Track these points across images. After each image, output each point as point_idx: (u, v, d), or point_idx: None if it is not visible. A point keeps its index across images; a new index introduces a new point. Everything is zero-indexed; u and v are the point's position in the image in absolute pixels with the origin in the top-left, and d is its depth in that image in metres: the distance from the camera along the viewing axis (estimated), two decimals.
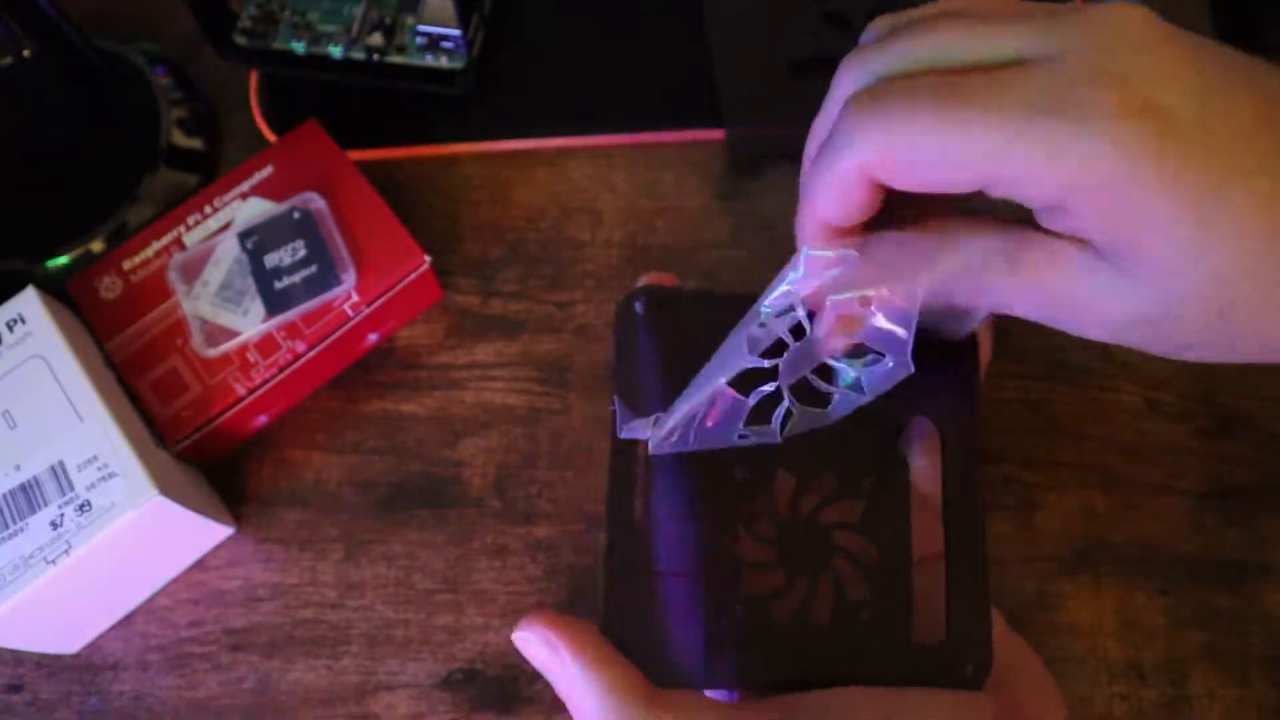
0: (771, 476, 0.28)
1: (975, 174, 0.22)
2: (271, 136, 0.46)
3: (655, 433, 0.27)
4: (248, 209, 0.41)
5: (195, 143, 0.46)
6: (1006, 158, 0.22)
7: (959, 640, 0.26)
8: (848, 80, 0.25)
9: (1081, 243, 0.23)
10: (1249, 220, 0.22)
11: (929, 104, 0.22)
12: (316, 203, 0.41)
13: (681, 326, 0.29)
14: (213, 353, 0.39)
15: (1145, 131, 0.21)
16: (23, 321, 0.38)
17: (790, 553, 0.27)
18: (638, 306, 0.29)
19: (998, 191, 0.23)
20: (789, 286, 0.25)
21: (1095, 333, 0.25)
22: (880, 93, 0.23)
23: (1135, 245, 0.23)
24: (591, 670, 0.25)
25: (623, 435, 0.27)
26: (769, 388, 0.26)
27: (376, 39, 0.45)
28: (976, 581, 0.27)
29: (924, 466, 0.29)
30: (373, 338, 0.42)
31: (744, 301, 0.27)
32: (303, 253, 0.40)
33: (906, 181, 0.23)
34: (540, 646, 0.26)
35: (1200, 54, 0.23)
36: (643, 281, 0.30)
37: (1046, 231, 0.24)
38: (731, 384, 0.26)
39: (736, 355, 0.26)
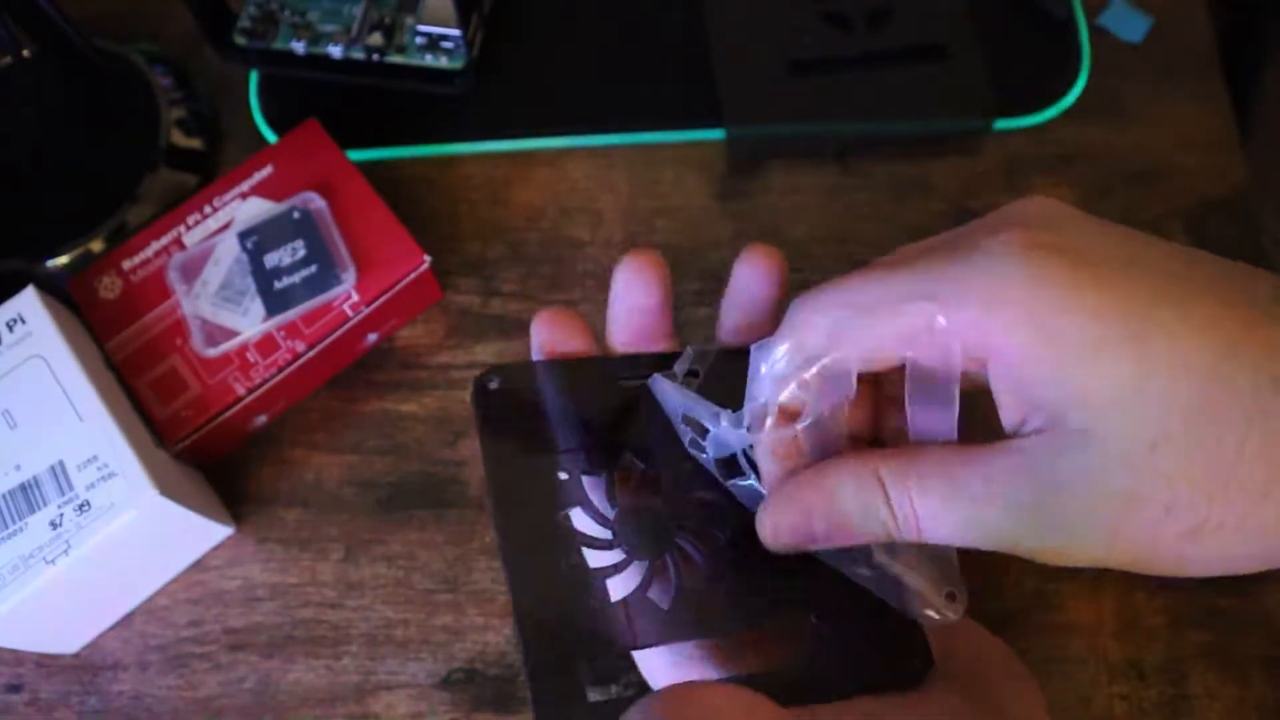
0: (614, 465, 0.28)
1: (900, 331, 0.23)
2: (271, 136, 0.46)
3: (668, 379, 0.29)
4: (247, 209, 0.41)
5: (195, 143, 0.46)
6: (924, 305, 0.23)
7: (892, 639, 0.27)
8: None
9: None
10: (1188, 344, 0.21)
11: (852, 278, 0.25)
12: (316, 203, 0.41)
13: (542, 396, 0.29)
14: (212, 352, 0.39)
15: (1058, 261, 0.21)
16: (23, 321, 0.38)
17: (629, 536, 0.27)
18: (493, 384, 0.29)
19: (926, 353, 0.23)
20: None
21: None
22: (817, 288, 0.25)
23: (1065, 387, 0.21)
24: None
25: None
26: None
27: (376, 39, 0.45)
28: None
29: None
30: (372, 338, 0.42)
31: (598, 364, 0.29)
32: (302, 252, 0.40)
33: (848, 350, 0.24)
34: None
35: (1099, 223, 0.23)
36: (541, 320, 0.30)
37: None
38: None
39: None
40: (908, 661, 0.27)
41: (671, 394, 0.28)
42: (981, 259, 0.22)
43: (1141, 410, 0.21)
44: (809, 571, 0.27)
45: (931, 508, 0.23)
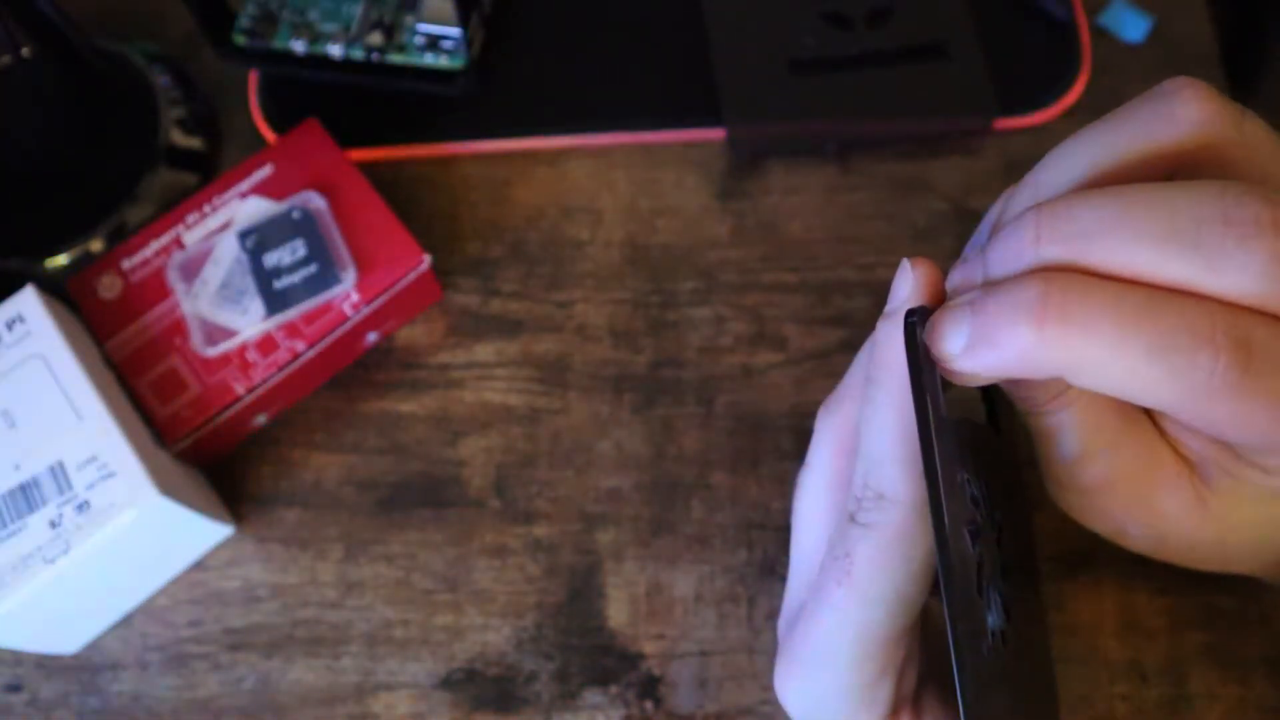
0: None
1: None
2: (271, 136, 0.46)
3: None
4: (247, 208, 0.41)
5: (195, 142, 0.46)
6: None
7: None
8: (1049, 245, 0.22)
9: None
10: None
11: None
12: (316, 202, 0.41)
13: None
14: (212, 352, 0.39)
15: None
16: (22, 321, 0.38)
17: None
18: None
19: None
20: None
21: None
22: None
23: None
24: None
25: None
26: None
27: (376, 38, 0.45)
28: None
29: None
30: (372, 337, 0.42)
31: None
32: (302, 252, 0.40)
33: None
34: None
35: None
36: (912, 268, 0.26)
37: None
38: None
39: None
40: None
41: None
42: None
43: None
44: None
45: None
